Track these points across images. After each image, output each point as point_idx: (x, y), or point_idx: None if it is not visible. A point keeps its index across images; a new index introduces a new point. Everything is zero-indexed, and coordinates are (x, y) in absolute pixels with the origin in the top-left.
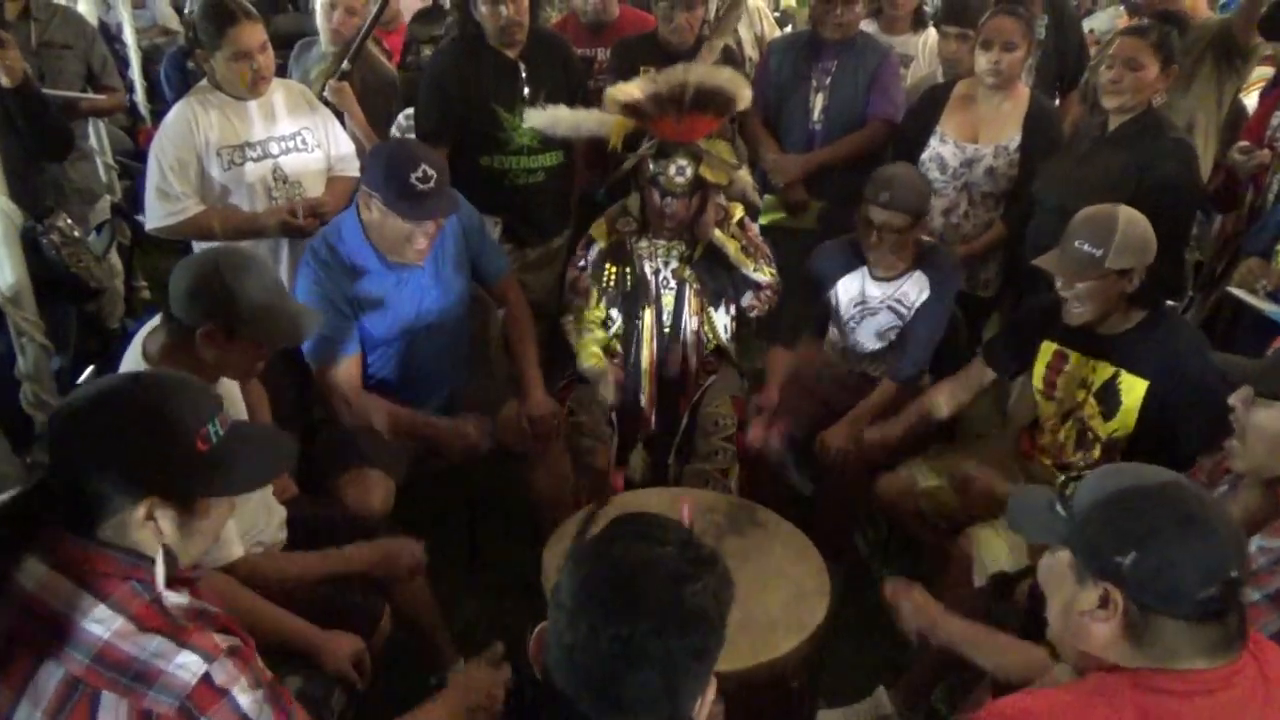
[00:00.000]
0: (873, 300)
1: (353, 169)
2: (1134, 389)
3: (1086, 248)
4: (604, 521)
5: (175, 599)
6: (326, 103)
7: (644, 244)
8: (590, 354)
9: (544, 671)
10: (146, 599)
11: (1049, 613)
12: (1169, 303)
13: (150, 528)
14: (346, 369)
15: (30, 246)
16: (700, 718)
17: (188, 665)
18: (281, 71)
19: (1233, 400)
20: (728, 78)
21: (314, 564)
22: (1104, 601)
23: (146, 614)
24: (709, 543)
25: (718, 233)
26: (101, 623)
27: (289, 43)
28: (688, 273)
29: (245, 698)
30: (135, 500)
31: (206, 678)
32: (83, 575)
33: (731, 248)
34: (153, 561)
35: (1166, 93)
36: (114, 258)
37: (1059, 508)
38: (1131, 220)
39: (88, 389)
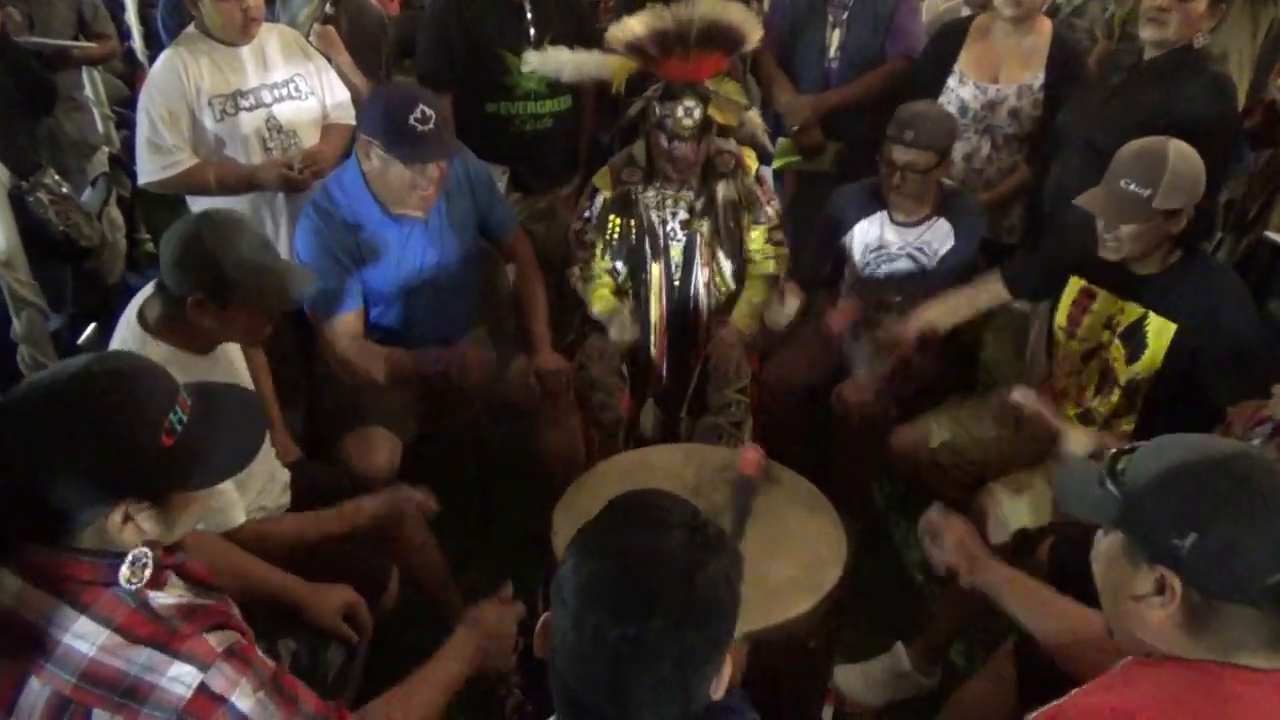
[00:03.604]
0: (891, 246)
1: (349, 117)
2: (1162, 332)
3: (1133, 187)
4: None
5: (163, 599)
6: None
7: (650, 194)
8: (600, 298)
9: (550, 665)
10: (131, 605)
11: (1101, 597)
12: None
13: (130, 529)
14: (347, 323)
15: (16, 206)
16: (718, 693)
17: (181, 677)
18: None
19: None
20: (736, 13)
21: (321, 523)
22: (1160, 588)
23: (134, 622)
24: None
25: (726, 184)
26: (84, 638)
27: None
28: (696, 223)
29: (247, 701)
30: (109, 505)
31: (203, 688)
32: (59, 586)
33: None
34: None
35: (1209, 34)
36: (114, 211)
37: (1109, 484)
38: (1182, 155)
39: (34, 388)
